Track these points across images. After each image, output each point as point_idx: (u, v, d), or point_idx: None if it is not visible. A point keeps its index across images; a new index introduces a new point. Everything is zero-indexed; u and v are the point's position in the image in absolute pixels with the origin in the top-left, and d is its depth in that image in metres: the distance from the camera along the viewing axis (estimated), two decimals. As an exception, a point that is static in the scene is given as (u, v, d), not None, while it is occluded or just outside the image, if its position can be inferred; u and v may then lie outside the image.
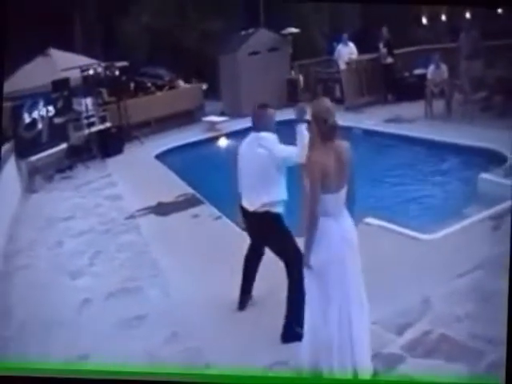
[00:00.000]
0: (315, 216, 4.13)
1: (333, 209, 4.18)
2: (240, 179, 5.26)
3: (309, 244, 4.20)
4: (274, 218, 5.05)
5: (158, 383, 4.83)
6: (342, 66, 15.06)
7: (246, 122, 14.18)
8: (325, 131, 4.14)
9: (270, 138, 5.07)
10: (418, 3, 8.96)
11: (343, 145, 4.22)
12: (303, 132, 4.82)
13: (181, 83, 16.38)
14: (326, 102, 4.31)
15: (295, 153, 4.80)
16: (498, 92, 11.87)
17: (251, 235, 5.36)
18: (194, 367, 4.81)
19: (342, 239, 4.19)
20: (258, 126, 5.16)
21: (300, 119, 4.90)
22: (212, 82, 16.85)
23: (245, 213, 5.22)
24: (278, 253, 5.08)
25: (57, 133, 11.96)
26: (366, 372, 4.29)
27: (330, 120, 4.13)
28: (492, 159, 9.21)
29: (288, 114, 5.40)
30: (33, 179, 10.94)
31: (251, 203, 5.09)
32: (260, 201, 5.02)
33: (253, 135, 5.17)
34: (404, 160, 10.43)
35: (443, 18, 15.31)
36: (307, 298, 4.35)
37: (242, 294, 5.51)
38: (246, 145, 5.22)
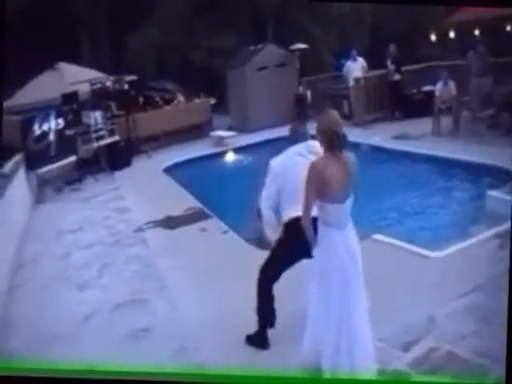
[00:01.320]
0: (307, 219, 4.22)
1: (337, 219, 4.22)
2: (291, 191, 4.91)
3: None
4: None
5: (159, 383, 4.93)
6: (351, 82, 15.11)
7: (254, 137, 14.31)
8: (336, 143, 4.16)
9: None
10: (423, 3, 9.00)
11: (350, 156, 4.26)
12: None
13: (181, 98, 16.48)
14: (334, 114, 4.33)
15: None
16: (505, 109, 11.90)
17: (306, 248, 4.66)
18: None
19: (345, 251, 4.22)
20: (296, 139, 5.15)
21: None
22: (220, 96, 16.96)
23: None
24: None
25: (66, 145, 12.04)
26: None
27: (340, 132, 4.17)
28: (499, 176, 9.22)
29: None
30: (42, 191, 11.02)
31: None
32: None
33: (301, 146, 5.07)
34: (411, 177, 10.44)
35: (451, 35, 15.36)
36: (311, 305, 4.37)
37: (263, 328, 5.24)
38: (297, 155, 5.02)
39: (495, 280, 5.71)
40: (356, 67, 15.30)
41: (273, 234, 5.16)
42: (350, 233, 4.31)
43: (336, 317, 4.23)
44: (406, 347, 4.86)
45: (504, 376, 4.62)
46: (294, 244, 4.78)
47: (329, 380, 4.32)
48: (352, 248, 4.27)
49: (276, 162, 5.10)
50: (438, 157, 10.89)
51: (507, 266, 5.57)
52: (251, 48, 16.50)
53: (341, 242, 4.22)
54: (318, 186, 4.13)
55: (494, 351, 4.71)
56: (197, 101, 16.55)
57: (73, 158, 12.09)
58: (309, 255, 4.45)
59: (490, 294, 5.51)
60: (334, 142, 4.17)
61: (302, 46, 16.84)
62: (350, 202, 4.23)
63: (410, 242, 6.89)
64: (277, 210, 5.09)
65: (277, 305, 5.09)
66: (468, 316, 5.20)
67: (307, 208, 4.22)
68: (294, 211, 4.76)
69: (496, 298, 5.36)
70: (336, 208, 4.18)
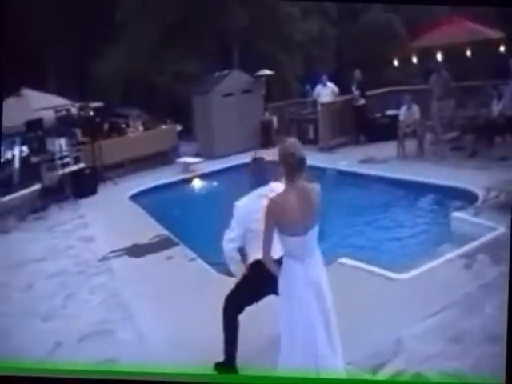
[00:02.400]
0: (267, 253, 4.23)
1: (300, 251, 4.20)
2: (256, 234, 4.78)
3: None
4: None
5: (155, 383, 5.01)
6: (319, 107, 15.19)
7: (220, 163, 14.32)
8: (292, 165, 4.15)
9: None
10: (418, 3, 9.15)
11: (311, 186, 4.24)
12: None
13: (147, 125, 16.42)
14: (292, 139, 4.36)
15: None
16: (468, 132, 12.12)
17: (272, 287, 4.63)
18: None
19: (308, 283, 4.20)
20: (261, 179, 5.18)
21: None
22: (187, 123, 16.97)
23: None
24: None
25: (30, 173, 11.90)
26: None
27: (296, 153, 4.16)
28: (463, 198, 9.35)
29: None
30: (5, 219, 10.81)
31: (276, 252, 4.66)
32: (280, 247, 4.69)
33: (265, 188, 5.07)
34: (377, 200, 10.53)
35: (414, 60, 15.62)
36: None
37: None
38: (261, 198, 4.90)
39: (462, 300, 5.77)
40: (326, 92, 15.41)
41: (236, 270, 5.18)
42: (315, 263, 4.29)
43: (301, 347, 4.24)
44: (375, 370, 4.85)
45: (504, 376, 4.64)
46: (259, 282, 4.84)
47: (329, 380, 4.31)
48: (315, 279, 4.25)
49: (241, 206, 5.10)
50: (403, 180, 10.98)
51: (481, 284, 5.88)
52: (217, 74, 16.57)
53: (303, 275, 4.20)
54: (278, 221, 4.14)
55: (465, 370, 4.72)
56: (163, 127, 16.51)
57: (37, 186, 11.92)
58: (275, 292, 4.47)
59: (458, 314, 5.55)
60: (291, 166, 4.16)
61: (267, 72, 16.98)
62: (313, 233, 4.21)
63: (376, 264, 6.88)
64: (241, 249, 5.13)
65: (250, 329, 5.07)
66: (436, 337, 5.20)
67: (267, 242, 4.22)
68: (260, 254, 4.68)
69: (465, 317, 5.41)
70: (297, 241, 4.17)
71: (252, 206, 5.01)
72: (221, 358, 5.09)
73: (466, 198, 9.24)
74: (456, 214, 8.38)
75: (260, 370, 4.88)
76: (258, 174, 5.24)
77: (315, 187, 4.26)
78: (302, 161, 4.18)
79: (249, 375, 4.94)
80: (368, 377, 4.65)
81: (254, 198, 5.06)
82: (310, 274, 4.23)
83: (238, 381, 5.01)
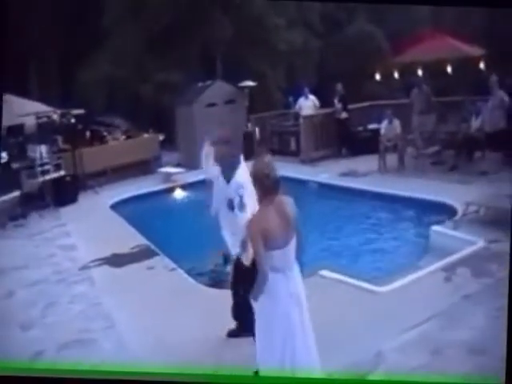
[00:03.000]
0: (264, 271, 4.16)
1: (281, 264, 4.23)
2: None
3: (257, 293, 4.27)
4: None
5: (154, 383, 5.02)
6: (301, 120, 15.24)
7: (202, 174, 14.33)
8: (268, 186, 4.20)
9: None
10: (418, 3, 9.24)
11: (285, 200, 4.28)
12: None
13: (129, 133, 16.37)
14: (266, 157, 4.37)
15: None
16: (448, 147, 12.25)
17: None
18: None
19: (290, 296, 4.25)
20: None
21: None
22: (169, 132, 16.94)
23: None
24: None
25: (10, 179, 11.76)
26: None
27: (271, 174, 4.19)
28: (443, 212, 9.44)
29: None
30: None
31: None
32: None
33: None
34: (358, 213, 10.57)
35: (396, 74, 15.77)
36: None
37: None
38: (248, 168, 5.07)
39: (443, 312, 5.83)
40: (307, 105, 15.48)
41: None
42: (296, 275, 4.34)
43: (279, 356, 4.26)
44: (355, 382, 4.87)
45: (504, 376, 4.68)
46: None
47: (329, 380, 4.38)
48: (297, 290, 4.31)
49: (247, 182, 4.96)
50: (384, 193, 11.07)
51: (461, 296, 5.95)
52: (200, 84, 16.56)
53: (285, 288, 4.24)
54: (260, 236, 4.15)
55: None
56: (145, 136, 16.49)
57: (17, 193, 11.79)
58: None
59: (439, 327, 5.60)
60: (265, 185, 4.21)
61: (250, 83, 17.02)
62: (292, 244, 4.26)
63: (356, 277, 6.91)
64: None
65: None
66: (417, 349, 5.24)
67: (260, 260, 4.17)
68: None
69: (446, 330, 5.46)
70: (278, 254, 4.20)
71: (247, 176, 4.94)
72: (202, 365, 5.14)
73: (446, 212, 9.33)
74: (436, 227, 8.47)
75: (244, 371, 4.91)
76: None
77: (290, 200, 4.30)
78: (276, 182, 4.23)
79: (231, 375, 4.98)
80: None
81: (246, 169, 5.08)
82: (291, 285, 4.27)
83: (220, 380, 5.02)
